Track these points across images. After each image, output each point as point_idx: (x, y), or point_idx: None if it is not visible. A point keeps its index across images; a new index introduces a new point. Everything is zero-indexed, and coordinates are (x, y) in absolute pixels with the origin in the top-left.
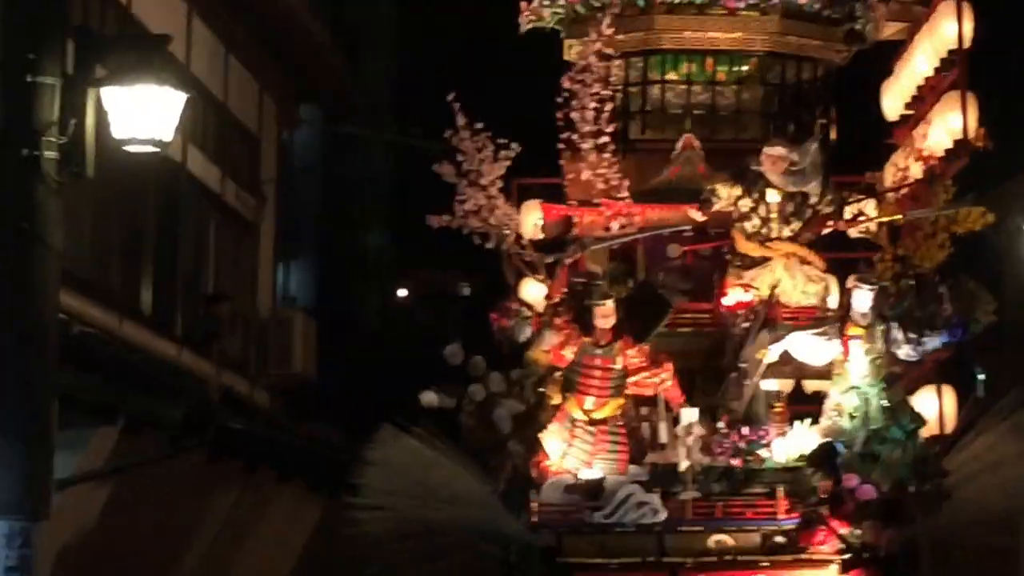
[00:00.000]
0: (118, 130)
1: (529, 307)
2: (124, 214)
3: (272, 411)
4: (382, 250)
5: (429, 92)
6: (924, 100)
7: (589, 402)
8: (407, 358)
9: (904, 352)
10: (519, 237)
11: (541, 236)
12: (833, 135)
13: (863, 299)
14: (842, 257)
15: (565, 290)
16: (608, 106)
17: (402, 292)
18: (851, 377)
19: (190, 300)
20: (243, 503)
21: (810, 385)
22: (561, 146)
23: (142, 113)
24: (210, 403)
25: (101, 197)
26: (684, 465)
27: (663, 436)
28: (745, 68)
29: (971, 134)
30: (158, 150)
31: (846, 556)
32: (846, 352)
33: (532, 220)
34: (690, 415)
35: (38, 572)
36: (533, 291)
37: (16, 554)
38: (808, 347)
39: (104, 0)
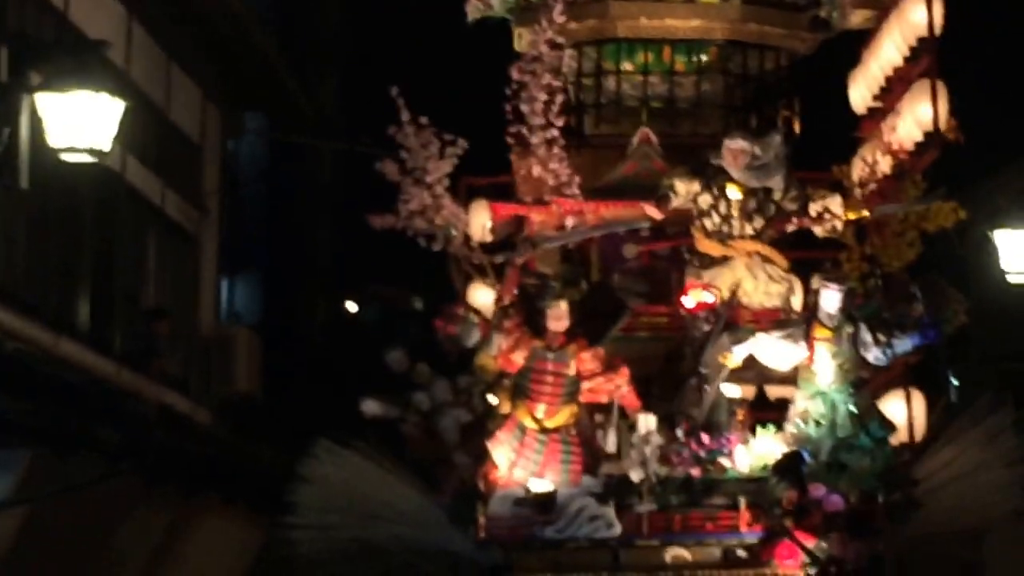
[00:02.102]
0: (54, 139)
1: (477, 313)
2: (60, 226)
3: (215, 431)
4: (331, 264)
5: (378, 100)
6: (893, 91)
7: (540, 410)
8: (356, 374)
9: (873, 355)
10: (467, 239)
11: (490, 238)
12: (797, 128)
13: (831, 299)
14: (807, 257)
15: (515, 292)
16: (560, 98)
17: (352, 307)
18: (817, 382)
19: (129, 316)
20: (182, 527)
21: (774, 391)
22: (510, 141)
23: (79, 121)
24: (149, 423)
25: (36, 208)
26: (640, 476)
27: (611, 445)
28: (704, 58)
29: (942, 125)
30: (95, 160)
31: (812, 571)
32: (812, 356)
33: (480, 221)
34: (647, 423)
35: None
36: (482, 296)
37: None
38: (772, 351)
39: (40, 5)
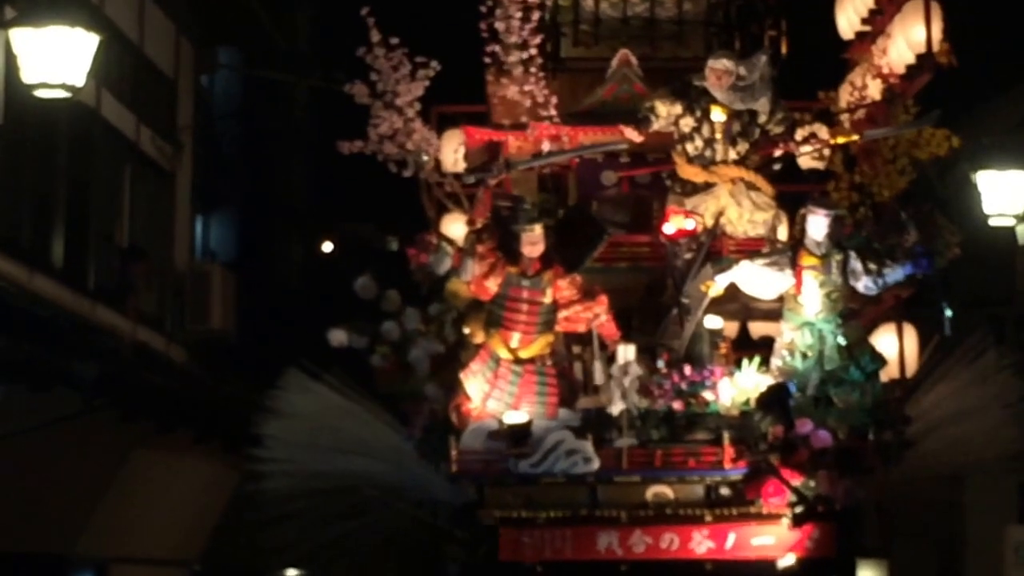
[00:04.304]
0: (28, 74)
1: (450, 242)
2: (35, 162)
3: (189, 368)
4: (307, 203)
5: (352, 29)
6: (883, 12)
7: (515, 339)
8: (330, 313)
9: (863, 285)
10: (439, 165)
11: (463, 165)
12: (784, 49)
13: (818, 225)
14: (794, 190)
15: (488, 215)
16: (536, 16)
17: (327, 246)
18: (805, 312)
19: (104, 253)
20: (157, 463)
21: (758, 328)
22: (486, 60)
23: (53, 56)
24: (124, 360)
25: (10, 144)
26: (619, 409)
27: (597, 377)
28: None
29: (935, 47)
30: (69, 95)
31: (798, 509)
32: (799, 285)
33: (453, 146)
34: (627, 353)
35: None
36: (455, 227)
37: None
38: (757, 279)
39: None
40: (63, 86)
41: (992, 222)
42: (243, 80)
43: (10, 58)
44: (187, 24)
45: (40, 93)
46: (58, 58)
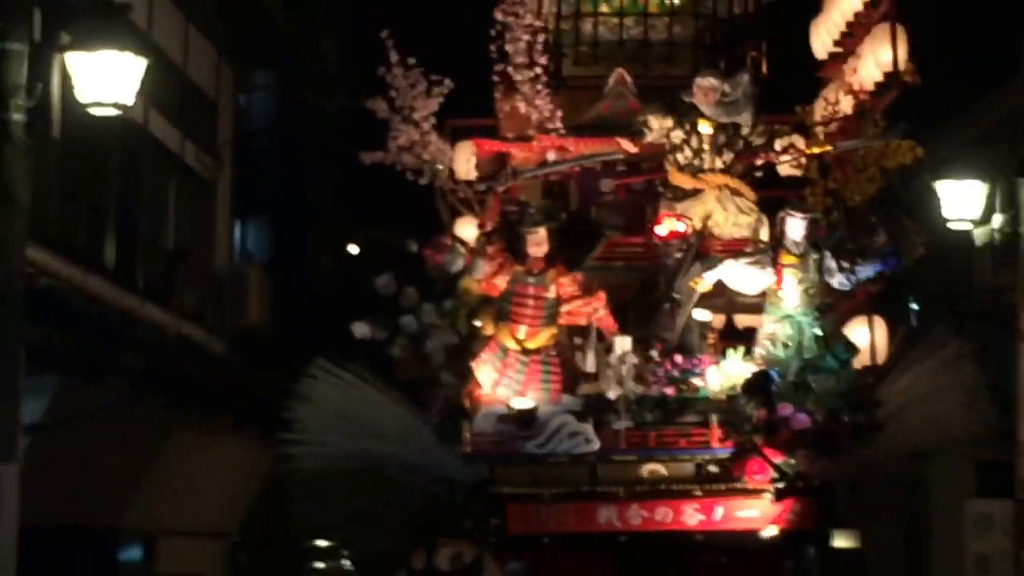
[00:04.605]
0: (82, 94)
1: (463, 243)
2: (89, 173)
3: (228, 359)
4: (335, 209)
5: (375, 48)
6: (854, 35)
7: (522, 331)
8: (356, 309)
9: (837, 281)
10: (452, 174)
11: (475, 174)
12: (764, 68)
13: (796, 227)
14: (773, 195)
15: (497, 219)
16: (540, 38)
17: (352, 248)
18: (784, 306)
19: (151, 255)
20: (198, 446)
21: (742, 320)
22: (495, 79)
23: (105, 78)
24: (169, 352)
25: (65, 157)
26: (617, 394)
27: (590, 365)
28: (677, 1)
29: (901, 67)
30: (120, 113)
31: (780, 485)
32: (779, 281)
33: (466, 157)
34: (623, 344)
35: (7, 510)
36: (467, 229)
37: None
38: (741, 276)
39: None
40: (114, 105)
41: (951, 226)
42: (277, 99)
43: (66, 79)
44: (227, 49)
45: (93, 111)
46: (110, 79)
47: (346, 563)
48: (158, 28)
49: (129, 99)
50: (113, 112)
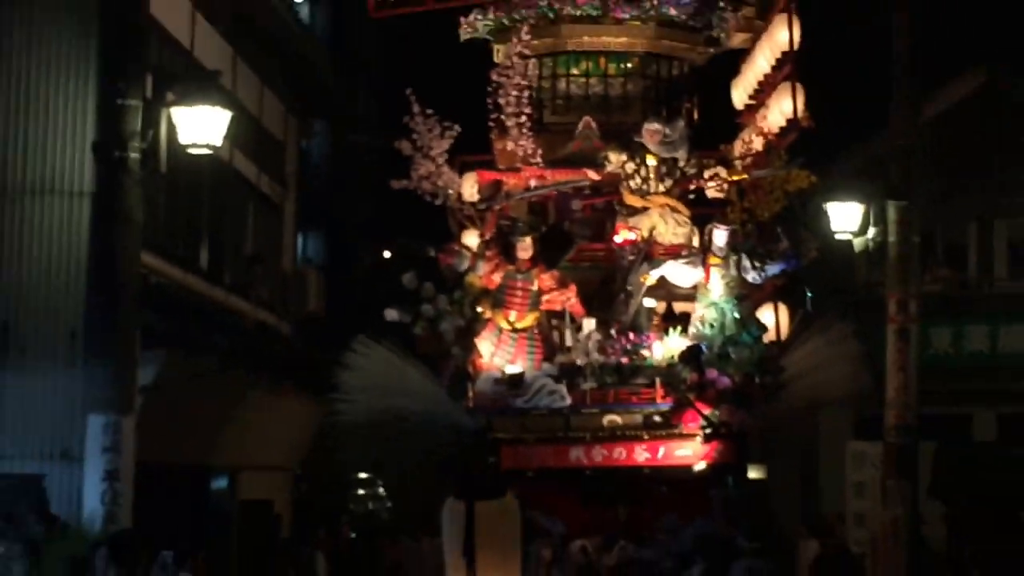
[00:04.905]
0: (183, 137)
1: (468, 249)
2: (187, 198)
3: (293, 338)
4: (372, 224)
5: (403, 107)
6: (763, 91)
7: (512, 315)
8: (387, 299)
9: (751, 277)
10: (460, 198)
11: (477, 197)
12: (696, 116)
13: (720, 237)
14: (702, 212)
15: (494, 230)
16: (526, 94)
17: (386, 253)
18: (711, 296)
19: (235, 259)
20: (269, 403)
21: (679, 306)
22: (492, 124)
23: (200, 126)
24: (248, 333)
25: (170, 185)
26: (584, 362)
27: (568, 341)
28: (630, 65)
29: (799, 115)
30: (211, 152)
31: (708, 431)
32: (707, 277)
33: (470, 184)
34: (589, 325)
35: (126, 451)
36: (471, 239)
37: (111, 439)
38: (678, 273)
39: (174, 46)
40: (207, 146)
41: (837, 236)
42: (329, 141)
43: (171, 127)
44: (291, 104)
45: (191, 150)
46: (203, 127)
47: (380, 490)
48: (240, 88)
49: (218, 142)
50: (206, 152)
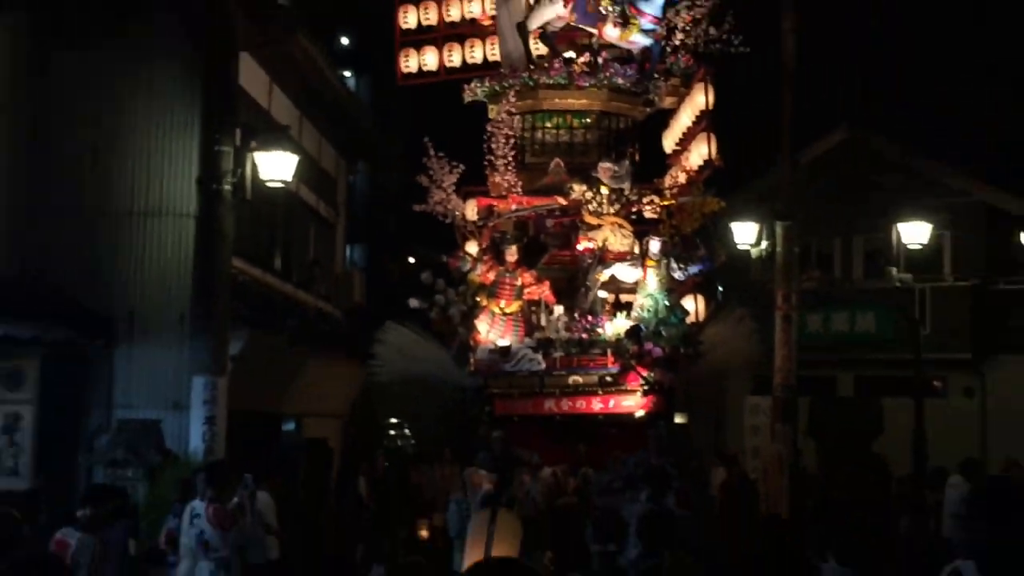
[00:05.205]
0: (263, 174)
1: (470, 255)
2: (267, 218)
3: (344, 322)
4: (400, 238)
5: (422, 150)
6: (686, 140)
7: (503, 303)
8: (411, 291)
9: (677, 275)
10: (464, 217)
11: (476, 217)
12: (637, 157)
13: (655, 245)
14: (642, 228)
15: (489, 241)
16: (512, 142)
17: (411, 259)
18: (648, 289)
19: (300, 263)
20: (325, 367)
21: (625, 297)
22: (486, 164)
23: (275, 166)
24: (310, 317)
25: (254, 209)
26: (555, 338)
27: (543, 322)
28: (588, 120)
29: (713, 157)
30: (283, 184)
31: (645, 388)
32: (644, 275)
33: (471, 207)
34: (558, 310)
35: (220, 403)
36: (472, 247)
37: (209, 394)
38: (624, 272)
39: (256, 107)
40: (281, 181)
41: (739, 247)
42: (369, 176)
43: (254, 166)
44: (341, 150)
45: (269, 184)
46: (278, 167)
47: (406, 431)
48: (304, 138)
49: (288, 178)
50: (280, 185)
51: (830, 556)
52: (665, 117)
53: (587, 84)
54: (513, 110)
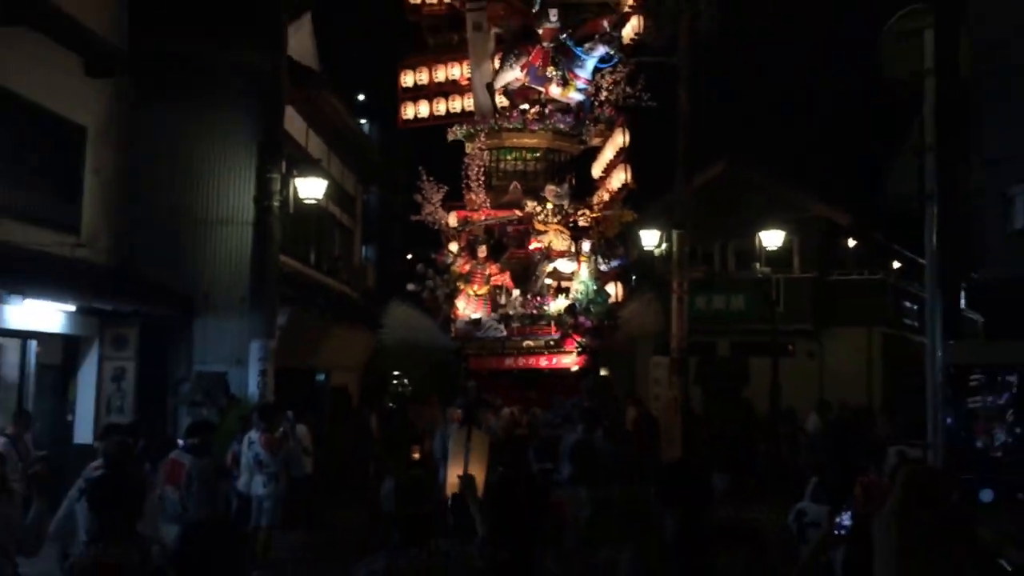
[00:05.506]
0: (302, 193)
1: (452, 252)
2: (304, 226)
3: (361, 301)
4: (402, 240)
5: (417, 176)
6: (609, 168)
7: (475, 287)
8: (408, 279)
9: (604, 267)
10: (447, 225)
11: (456, 225)
12: (573, 182)
13: (586, 245)
14: (576, 234)
15: (465, 242)
16: (482, 169)
17: (408, 256)
18: (581, 277)
19: (328, 258)
20: (345, 336)
21: (564, 283)
22: (464, 186)
23: (310, 188)
24: (336, 297)
25: (295, 221)
26: (513, 312)
27: (504, 301)
28: (538, 155)
29: (628, 181)
30: (316, 201)
31: (579, 350)
32: (579, 268)
33: (454, 218)
34: (516, 293)
35: (270, 361)
36: (453, 246)
37: (263, 353)
38: (564, 265)
39: (297, 145)
40: (314, 199)
41: (646, 248)
42: (379, 196)
43: (295, 188)
44: (360, 175)
45: (306, 201)
46: (313, 188)
47: (405, 380)
48: (332, 168)
49: (320, 196)
50: (313, 201)
51: (714, 472)
52: (594, 152)
53: (537, 128)
54: (483, 147)
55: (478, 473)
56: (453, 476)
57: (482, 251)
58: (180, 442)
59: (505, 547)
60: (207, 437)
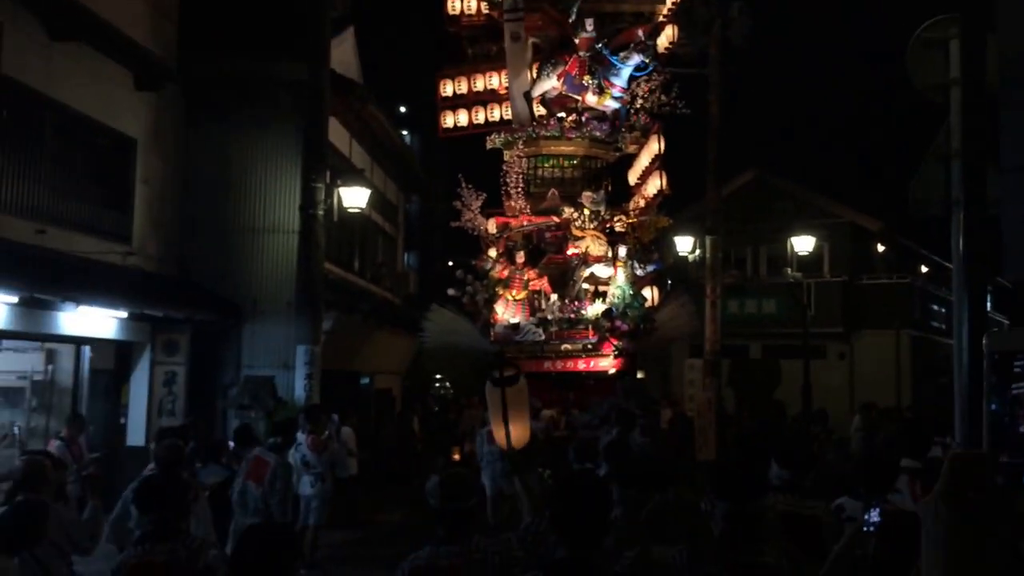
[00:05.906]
0: (346, 203)
1: (491, 258)
2: (349, 234)
3: (402, 305)
4: (443, 247)
5: (457, 183)
6: (645, 175)
7: (514, 292)
8: (449, 284)
9: (640, 271)
10: (486, 231)
11: (495, 231)
12: (610, 188)
13: (623, 251)
14: (612, 239)
15: (504, 248)
16: (521, 176)
17: (450, 262)
18: (618, 282)
19: (372, 265)
20: (388, 340)
21: (602, 288)
22: (503, 192)
23: (354, 197)
24: (379, 302)
25: (340, 229)
26: (551, 317)
27: (543, 306)
28: (575, 162)
29: (663, 187)
30: (359, 210)
31: (616, 353)
32: (615, 272)
33: (492, 224)
34: (554, 297)
35: (316, 364)
36: (492, 252)
37: (309, 357)
38: (600, 270)
39: (341, 156)
40: (358, 207)
41: (681, 253)
42: (420, 205)
43: (339, 197)
44: (400, 185)
45: (350, 210)
46: (356, 198)
47: (447, 384)
48: (374, 177)
49: (363, 205)
50: (357, 210)
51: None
52: (630, 159)
53: (574, 136)
54: (521, 154)
55: (520, 426)
56: (499, 434)
57: (520, 257)
58: (230, 444)
59: (566, 546)
60: (290, 437)
